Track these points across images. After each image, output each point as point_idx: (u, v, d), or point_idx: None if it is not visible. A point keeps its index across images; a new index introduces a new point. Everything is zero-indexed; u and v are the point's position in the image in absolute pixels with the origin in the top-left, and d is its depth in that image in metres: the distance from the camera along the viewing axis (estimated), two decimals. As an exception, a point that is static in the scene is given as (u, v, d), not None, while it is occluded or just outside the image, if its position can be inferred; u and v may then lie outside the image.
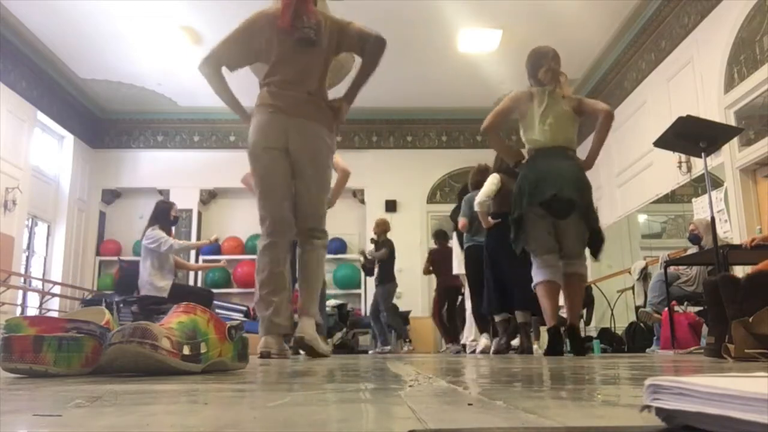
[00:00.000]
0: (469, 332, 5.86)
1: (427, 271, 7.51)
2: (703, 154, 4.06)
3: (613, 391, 0.86)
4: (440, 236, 7.49)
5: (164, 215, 5.70)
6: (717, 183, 5.81)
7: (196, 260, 9.42)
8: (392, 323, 7.52)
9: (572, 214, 3.38)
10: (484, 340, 5.20)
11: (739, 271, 4.88)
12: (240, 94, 3.24)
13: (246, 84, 3.54)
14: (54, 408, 0.62)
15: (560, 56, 3.72)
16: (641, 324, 5.94)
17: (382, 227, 7.64)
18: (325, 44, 2.97)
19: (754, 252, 4.55)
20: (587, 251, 3.65)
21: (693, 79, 6.37)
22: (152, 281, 5.49)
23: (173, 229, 6.01)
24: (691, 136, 4.03)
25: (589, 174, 3.57)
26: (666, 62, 7.01)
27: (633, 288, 6.39)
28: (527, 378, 1.23)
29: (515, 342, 4.95)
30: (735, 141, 5.46)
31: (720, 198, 5.81)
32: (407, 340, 7.60)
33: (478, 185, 5.19)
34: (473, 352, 5.45)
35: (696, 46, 6.37)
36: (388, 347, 7.40)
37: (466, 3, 7.18)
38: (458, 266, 5.97)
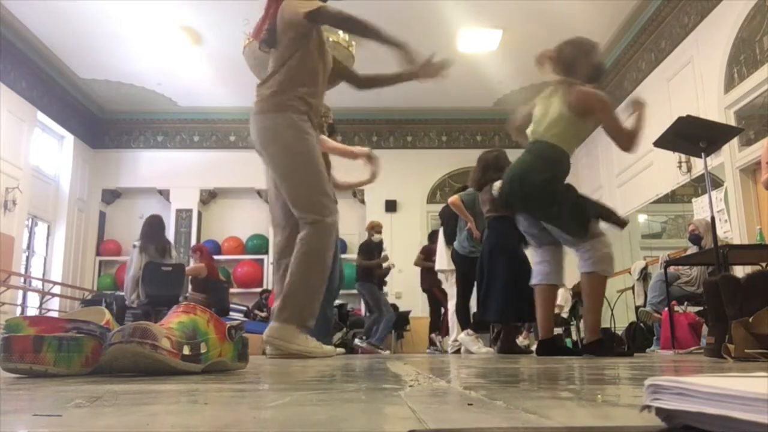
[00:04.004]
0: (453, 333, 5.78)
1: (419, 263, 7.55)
2: (703, 154, 4.05)
3: (613, 391, 0.86)
4: (434, 236, 7.60)
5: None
6: (717, 183, 5.81)
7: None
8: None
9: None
10: (485, 349, 5.04)
11: (739, 271, 4.88)
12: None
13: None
14: (54, 408, 0.62)
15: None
16: (641, 324, 5.94)
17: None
18: (283, 40, 2.86)
19: (754, 252, 4.56)
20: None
21: (693, 79, 6.38)
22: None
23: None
24: (691, 136, 4.02)
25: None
26: (666, 62, 7.02)
27: (633, 288, 6.39)
28: (527, 378, 1.23)
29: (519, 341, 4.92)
30: (735, 141, 5.46)
31: (720, 198, 5.81)
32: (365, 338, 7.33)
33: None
34: (457, 351, 5.37)
35: (696, 46, 6.37)
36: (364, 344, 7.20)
37: (466, 3, 7.18)
38: (440, 261, 5.96)
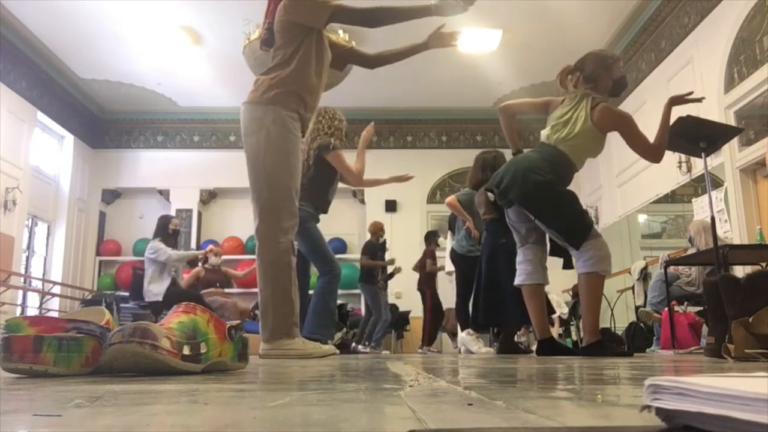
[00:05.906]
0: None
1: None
2: (703, 154, 4.05)
3: (613, 391, 0.86)
4: (430, 237, 7.66)
5: (163, 229, 6.26)
6: (717, 183, 5.81)
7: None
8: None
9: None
10: (485, 349, 5.04)
11: (739, 271, 4.88)
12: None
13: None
14: (54, 408, 0.62)
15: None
16: (641, 324, 5.94)
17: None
18: (284, 37, 2.86)
19: (754, 252, 4.56)
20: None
21: (693, 79, 6.37)
22: (150, 288, 6.06)
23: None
24: (691, 136, 4.02)
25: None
26: (666, 62, 7.02)
27: (633, 288, 6.39)
28: (527, 378, 1.23)
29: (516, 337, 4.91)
30: (735, 141, 5.46)
31: (720, 198, 5.81)
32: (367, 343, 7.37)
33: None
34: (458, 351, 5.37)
35: (696, 46, 6.37)
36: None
37: (466, 3, 7.17)
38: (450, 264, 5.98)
